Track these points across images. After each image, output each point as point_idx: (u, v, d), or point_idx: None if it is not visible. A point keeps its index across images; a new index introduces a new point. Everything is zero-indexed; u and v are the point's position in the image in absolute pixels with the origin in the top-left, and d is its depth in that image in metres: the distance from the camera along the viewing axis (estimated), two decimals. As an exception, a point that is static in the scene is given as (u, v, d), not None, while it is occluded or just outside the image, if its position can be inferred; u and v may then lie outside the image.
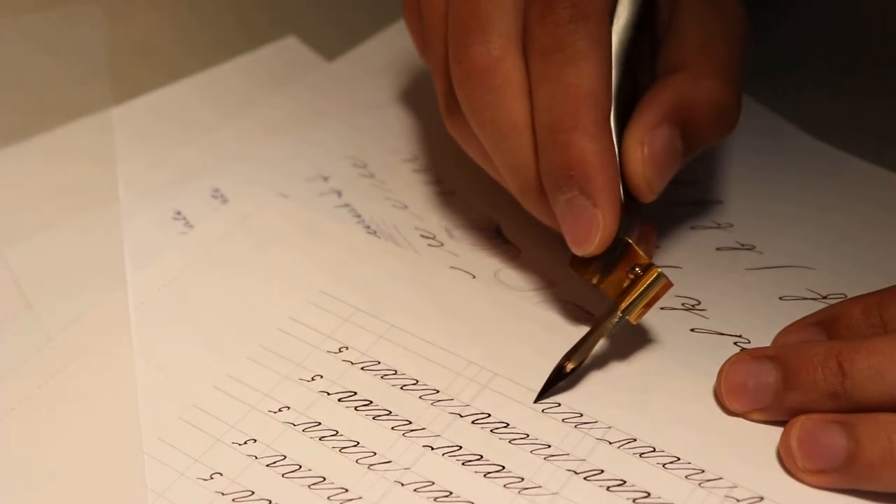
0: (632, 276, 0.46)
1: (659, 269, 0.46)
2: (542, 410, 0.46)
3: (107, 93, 0.61)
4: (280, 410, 0.47)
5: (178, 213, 0.55)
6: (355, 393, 0.47)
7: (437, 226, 0.54)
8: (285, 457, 0.45)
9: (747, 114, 0.52)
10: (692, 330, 0.49)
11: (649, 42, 0.50)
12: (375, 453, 0.45)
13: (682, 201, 0.54)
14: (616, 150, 0.47)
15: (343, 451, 0.45)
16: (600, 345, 0.47)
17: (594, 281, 0.47)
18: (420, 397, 0.47)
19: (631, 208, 0.47)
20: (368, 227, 0.54)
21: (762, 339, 0.48)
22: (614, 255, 0.47)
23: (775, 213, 0.54)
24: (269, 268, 0.52)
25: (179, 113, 0.60)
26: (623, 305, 0.46)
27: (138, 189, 0.56)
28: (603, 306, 0.48)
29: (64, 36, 0.65)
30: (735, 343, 0.48)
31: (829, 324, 0.46)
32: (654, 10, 0.50)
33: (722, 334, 0.49)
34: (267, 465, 0.45)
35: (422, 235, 0.54)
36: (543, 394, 0.47)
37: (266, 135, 0.59)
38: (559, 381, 0.47)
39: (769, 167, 0.56)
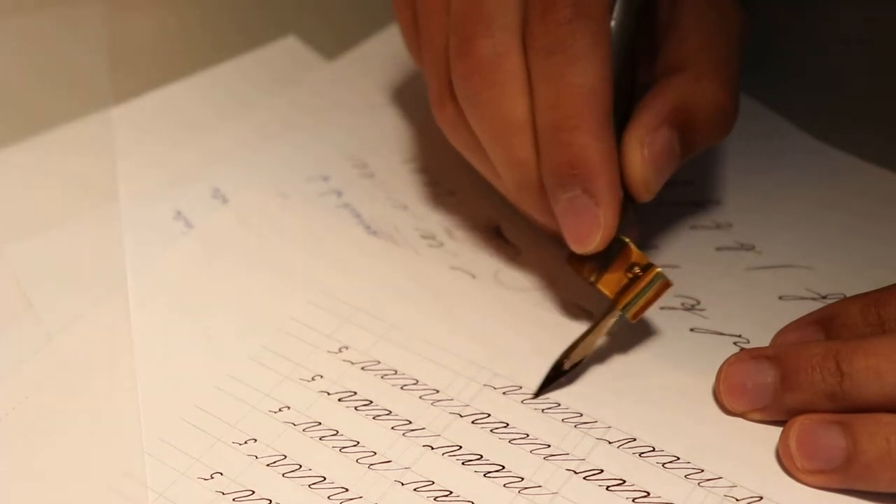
0: (630, 275, 0.46)
1: (659, 269, 0.46)
2: (542, 410, 0.46)
3: (107, 92, 0.61)
4: (280, 410, 0.47)
5: (179, 212, 0.55)
6: (355, 393, 0.47)
7: (437, 226, 0.54)
8: (285, 456, 0.45)
9: (747, 114, 0.52)
10: (692, 330, 0.49)
11: (648, 43, 0.50)
12: (375, 453, 0.45)
13: (682, 201, 0.54)
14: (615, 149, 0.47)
15: (343, 450, 0.46)
16: (600, 344, 0.48)
17: (591, 279, 0.48)
18: (420, 397, 0.47)
19: (628, 208, 0.47)
20: (368, 228, 0.54)
21: (761, 338, 0.48)
22: (611, 253, 0.47)
23: (775, 213, 0.54)
24: (270, 268, 0.52)
25: (179, 113, 0.60)
26: (623, 303, 0.46)
27: (138, 189, 0.56)
28: (602, 305, 0.48)
29: (64, 36, 0.65)
30: (734, 343, 0.48)
31: (827, 322, 0.46)
32: (652, 10, 0.50)
33: (721, 334, 0.49)
34: (267, 465, 0.45)
35: (422, 236, 0.54)
36: (542, 391, 0.47)
37: (266, 135, 0.59)
38: (558, 377, 0.47)
39: (769, 167, 0.56)
